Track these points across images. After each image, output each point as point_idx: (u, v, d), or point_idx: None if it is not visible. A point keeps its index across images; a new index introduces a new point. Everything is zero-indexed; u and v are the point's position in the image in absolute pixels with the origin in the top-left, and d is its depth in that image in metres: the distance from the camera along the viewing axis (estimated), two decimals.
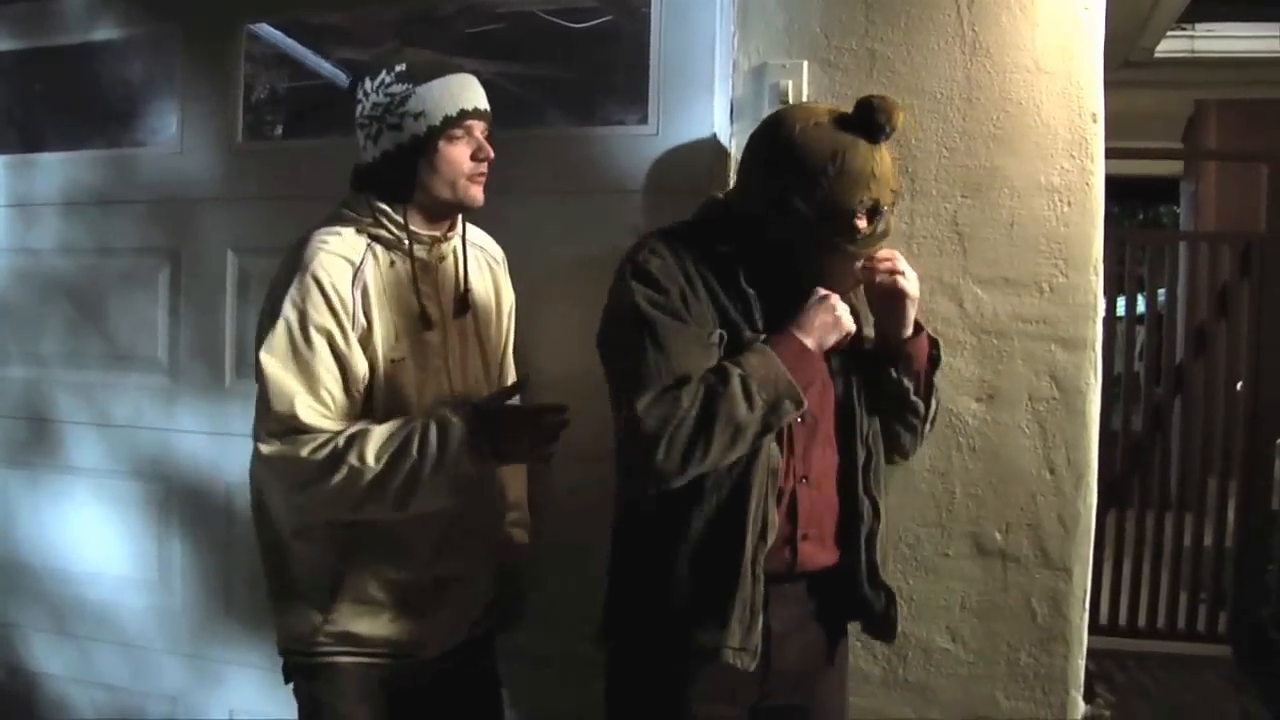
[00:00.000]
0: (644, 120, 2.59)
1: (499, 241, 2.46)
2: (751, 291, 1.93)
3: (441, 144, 2.00)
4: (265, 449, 1.93)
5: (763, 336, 1.90)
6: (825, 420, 2.01)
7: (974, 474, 2.40)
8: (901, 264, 1.98)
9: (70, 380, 3.13)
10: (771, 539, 1.92)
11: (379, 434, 1.90)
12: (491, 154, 2.06)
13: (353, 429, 1.91)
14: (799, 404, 1.84)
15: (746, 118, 2.46)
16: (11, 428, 3.22)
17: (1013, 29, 2.35)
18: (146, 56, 3.24)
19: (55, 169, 3.16)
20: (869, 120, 1.86)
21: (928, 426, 2.14)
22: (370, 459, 1.87)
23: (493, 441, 1.93)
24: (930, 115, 2.39)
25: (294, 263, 1.99)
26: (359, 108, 2.04)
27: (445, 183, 2.04)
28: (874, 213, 1.89)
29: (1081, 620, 2.39)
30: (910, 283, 1.98)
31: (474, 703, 2.27)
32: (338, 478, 1.88)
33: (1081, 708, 2.43)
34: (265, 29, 3.09)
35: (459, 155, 2.03)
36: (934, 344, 2.10)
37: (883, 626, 2.11)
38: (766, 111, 2.43)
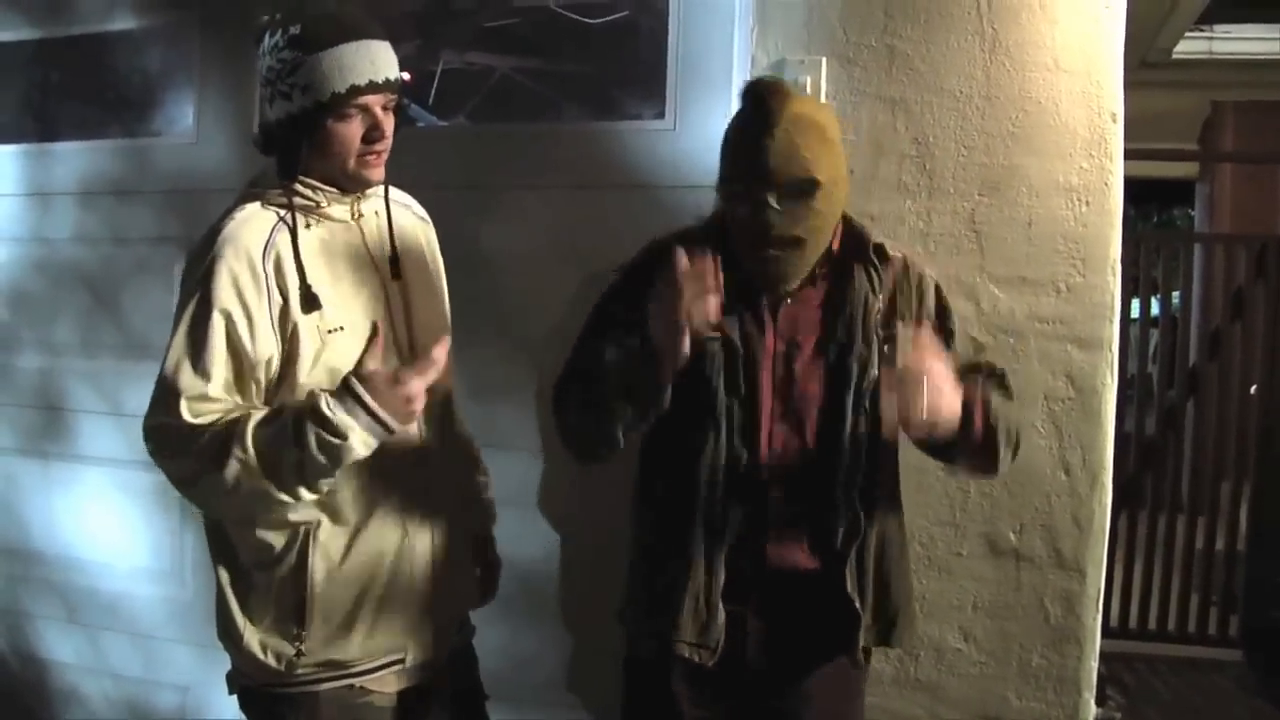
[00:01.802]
0: (661, 115, 2.60)
1: (518, 236, 2.46)
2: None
3: (330, 122, 1.81)
4: (150, 421, 1.80)
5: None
6: (810, 423, 1.93)
7: None
8: (937, 374, 1.75)
9: (84, 369, 3.14)
10: (729, 537, 1.91)
11: (255, 420, 1.75)
12: (387, 134, 1.87)
13: (233, 414, 1.76)
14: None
15: None
16: (25, 416, 3.23)
17: (1033, 27, 2.34)
18: (164, 46, 3.24)
19: (72, 158, 3.17)
20: (750, 110, 1.82)
21: (1007, 453, 1.89)
22: (250, 448, 1.72)
23: (366, 407, 1.72)
24: (949, 113, 2.38)
25: (202, 245, 1.84)
26: (260, 64, 1.86)
27: (334, 162, 1.85)
28: (768, 203, 1.80)
29: (1095, 622, 2.39)
30: (946, 403, 1.76)
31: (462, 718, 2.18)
32: (229, 471, 1.73)
33: (1093, 710, 2.42)
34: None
35: (349, 135, 1.83)
36: (995, 374, 1.94)
37: (847, 643, 1.97)
38: None
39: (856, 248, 1.95)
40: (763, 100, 1.79)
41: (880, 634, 1.99)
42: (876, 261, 1.93)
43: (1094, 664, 2.40)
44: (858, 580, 1.93)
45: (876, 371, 1.90)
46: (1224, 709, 4.22)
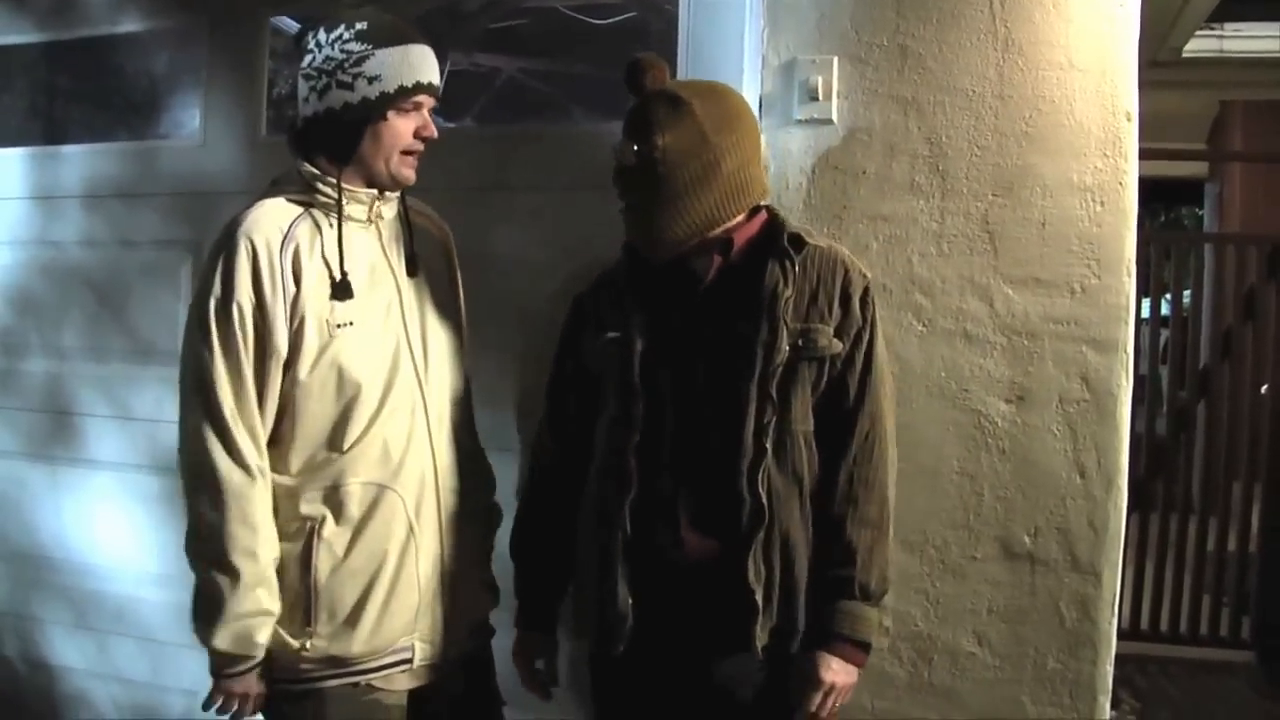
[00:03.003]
0: None
1: (525, 237, 2.44)
2: (629, 298, 2.03)
3: (390, 113, 1.92)
4: (191, 422, 1.89)
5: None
6: (714, 411, 1.94)
7: (1003, 476, 2.37)
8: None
9: (92, 373, 3.13)
10: (624, 527, 1.94)
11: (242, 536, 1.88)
12: (435, 133, 1.98)
13: (243, 510, 1.88)
14: None
15: (775, 113, 2.44)
16: (33, 421, 3.22)
17: (1046, 25, 2.33)
18: (171, 50, 3.25)
19: (79, 161, 3.16)
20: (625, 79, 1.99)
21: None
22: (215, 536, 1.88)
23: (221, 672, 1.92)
24: (962, 112, 2.36)
25: (222, 236, 1.92)
26: (308, 58, 1.93)
27: (382, 155, 1.94)
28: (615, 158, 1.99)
29: (1110, 625, 2.36)
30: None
31: None
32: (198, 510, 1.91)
33: (1109, 713, 2.40)
34: (289, 23, 3.08)
35: (404, 128, 1.94)
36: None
37: (738, 633, 1.93)
38: (796, 107, 2.43)
39: (771, 239, 1.98)
40: (630, 74, 1.98)
41: (784, 637, 1.94)
42: (791, 251, 1.95)
43: (1109, 668, 2.37)
44: (759, 572, 1.90)
45: (783, 359, 1.91)
46: (1236, 710, 4.20)
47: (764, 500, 1.90)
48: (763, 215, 2.03)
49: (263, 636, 1.89)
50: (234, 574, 1.86)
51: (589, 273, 2.32)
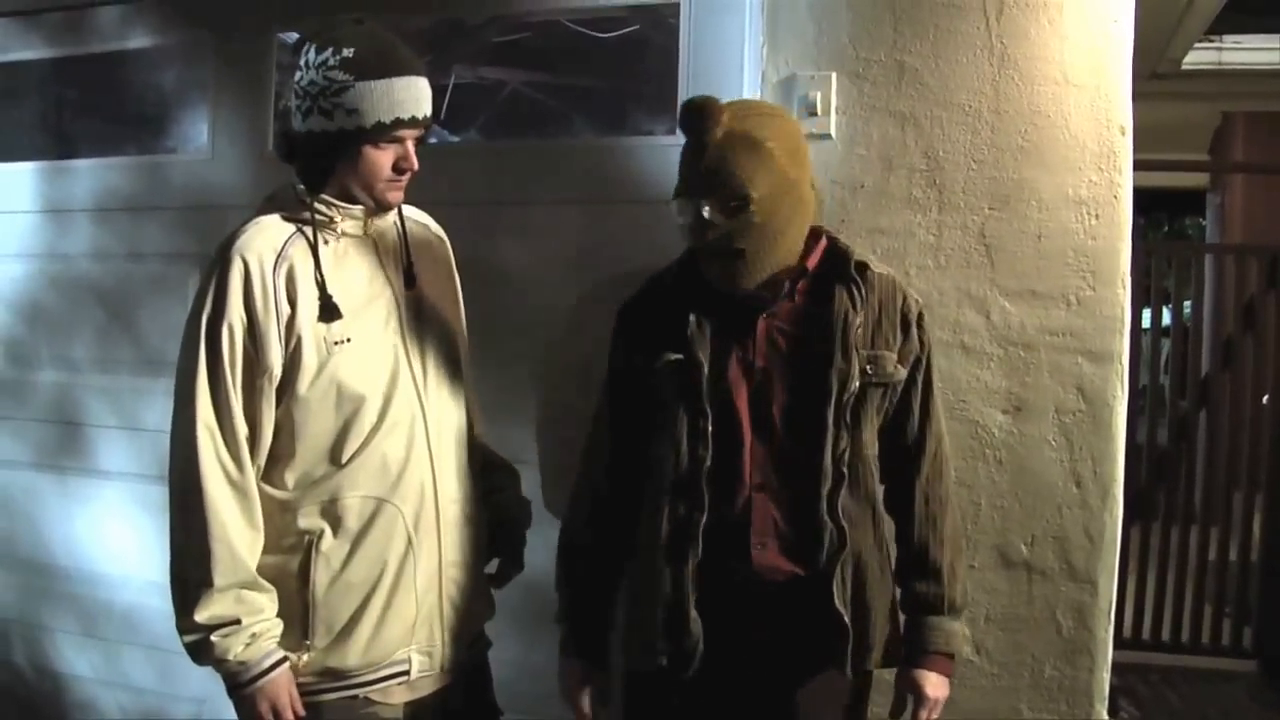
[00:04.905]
0: (672, 131, 2.59)
1: (528, 250, 2.46)
2: (693, 318, 1.95)
3: (365, 148, 1.88)
4: (176, 434, 1.91)
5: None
6: (787, 433, 1.95)
7: (1000, 486, 2.40)
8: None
9: (101, 385, 3.16)
10: (697, 549, 1.93)
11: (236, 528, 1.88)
12: (415, 167, 1.94)
13: (231, 540, 1.87)
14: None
15: None
16: (42, 431, 3.25)
17: (1041, 41, 2.36)
18: (179, 64, 3.27)
19: (88, 175, 3.19)
20: (684, 129, 1.87)
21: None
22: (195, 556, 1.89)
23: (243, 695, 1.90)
24: (958, 127, 2.39)
25: (217, 255, 1.91)
26: (298, 75, 1.90)
27: (360, 184, 1.92)
28: (701, 214, 1.84)
29: (1106, 633, 2.39)
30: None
31: None
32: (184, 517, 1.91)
33: None
34: (296, 37, 3.11)
35: (381, 163, 1.90)
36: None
37: (834, 655, 1.97)
38: None
39: (838, 265, 1.98)
40: (692, 120, 1.84)
41: (861, 654, 1.98)
42: (858, 279, 1.95)
43: (1106, 675, 2.40)
44: (844, 594, 1.94)
45: (857, 386, 1.92)
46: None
47: (843, 525, 1.92)
48: (823, 241, 2.01)
49: (238, 645, 1.86)
50: (207, 584, 1.86)
51: (599, 284, 2.35)
